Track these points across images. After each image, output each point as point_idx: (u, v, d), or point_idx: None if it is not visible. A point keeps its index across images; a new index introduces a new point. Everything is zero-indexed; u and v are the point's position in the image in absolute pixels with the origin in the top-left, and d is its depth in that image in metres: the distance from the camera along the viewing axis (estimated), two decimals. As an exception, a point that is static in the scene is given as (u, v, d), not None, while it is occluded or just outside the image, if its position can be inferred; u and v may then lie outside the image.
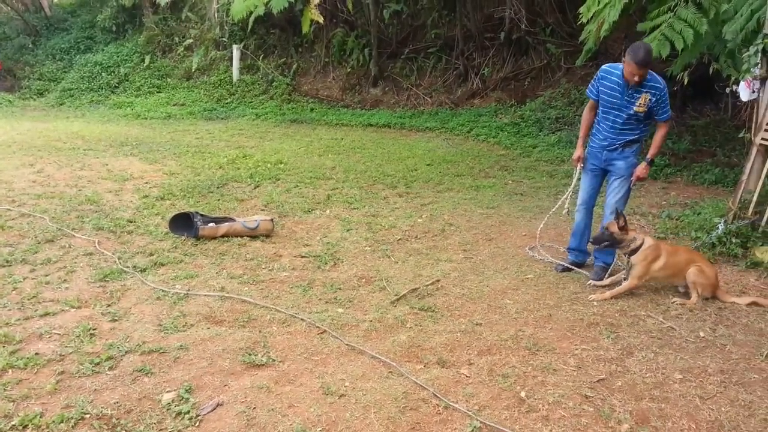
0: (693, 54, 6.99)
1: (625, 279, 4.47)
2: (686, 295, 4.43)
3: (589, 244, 4.89)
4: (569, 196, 5.24)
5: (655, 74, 4.42)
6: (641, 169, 4.61)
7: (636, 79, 4.30)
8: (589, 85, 4.77)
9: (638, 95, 4.41)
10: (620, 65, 4.46)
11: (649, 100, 4.39)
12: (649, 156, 4.61)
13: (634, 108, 4.45)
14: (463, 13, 13.66)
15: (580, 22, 7.67)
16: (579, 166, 4.99)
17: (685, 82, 7.18)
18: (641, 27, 6.78)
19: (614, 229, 4.43)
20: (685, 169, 8.33)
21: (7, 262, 4.65)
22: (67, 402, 2.95)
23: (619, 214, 4.46)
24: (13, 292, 4.16)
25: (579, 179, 5.03)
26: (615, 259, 4.82)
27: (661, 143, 4.61)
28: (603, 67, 4.67)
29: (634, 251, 4.41)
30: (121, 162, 8.38)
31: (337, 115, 13.19)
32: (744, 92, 5.53)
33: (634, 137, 4.59)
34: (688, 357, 3.59)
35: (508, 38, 13.11)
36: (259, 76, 15.15)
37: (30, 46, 17.49)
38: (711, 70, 6.75)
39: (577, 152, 4.96)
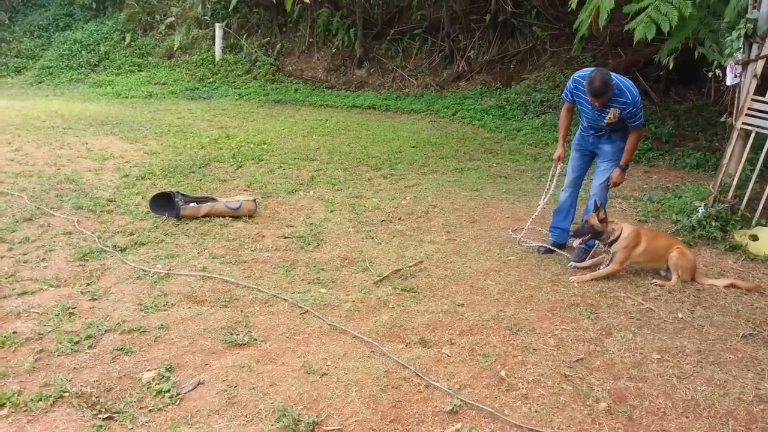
0: (679, 39, 7.02)
1: (606, 265, 4.53)
2: (668, 278, 4.48)
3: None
4: (546, 195, 5.21)
5: (625, 87, 4.39)
6: (616, 175, 4.70)
7: (597, 104, 4.39)
8: (564, 89, 4.81)
9: (607, 110, 4.47)
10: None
11: (619, 113, 4.43)
12: (622, 162, 4.67)
13: (605, 121, 4.52)
14: (449, -6, 13.56)
15: (569, 8, 7.64)
16: (560, 165, 5.03)
17: (671, 67, 7.21)
18: (627, 9, 6.78)
19: (594, 221, 4.47)
20: (668, 153, 8.41)
21: (-16, 240, 4.57)
22: (46, 380, 2.92)
23: (598, 207, 4.50)
24: (-10, 270, 4.10)
25: (560, 174, 5.07)
26: (596, 242, 4.86)
27: (634, 149, 4.66)
28: (574, 76, 4.67)
29: (614, 241, 4.45)
30: (101, 141, 8.25)
31: (322, 96, 13.09)
32: (729, 77, 5.57)
33: (618, 127, 4.61)
34: (666, 337, 3.64)
35: (494, 20, 13.05)
36: (242, 56, 14.96)
37: (7, 22, 17.05)
38: (696, 55, 6.78)
39: (558, 151, 5.02)
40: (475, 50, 13.43)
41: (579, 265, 4.68)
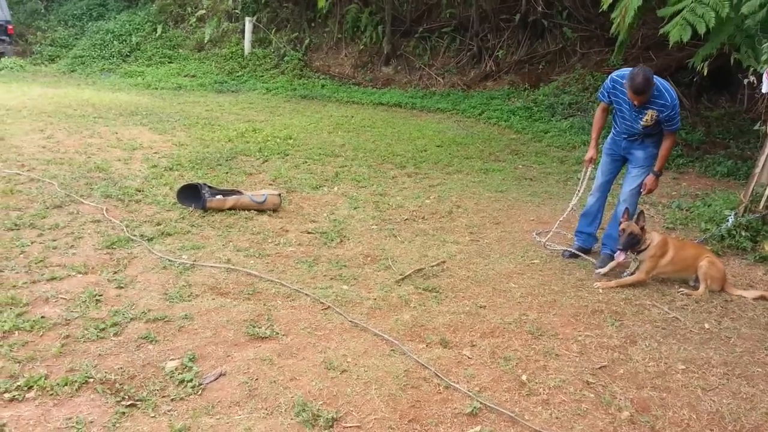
0: (714, 44, 6.88)
1: (630, 272, 4.46)
2: (696, 288, 4.40)
3: (599, 233, 4.86)
4: (576, 198, 5.17)
5: (665, 89, 4.32)
6: (650, 182, 4.59)
7: (635, 102, 4.30)
8: (601, 89, 4.74)
9: (645, 112, 4.38)
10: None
11: (656, 116, 4.35)
12: (656, 168, 4.57)
13: (642, 123, 4.44)
14: (479, -7, 13.47)
15: (600, 10, 7.53)
16: (590, 167, 4.96)
17: (705, 73, 7.07)
18: (661, 13, 6.67)
19: (636, 230, 4.39)
20: (698, 160, 8.26)
21: (16, 225, 4.67)
22: (72, 365, 2.97)
23: (638, 215, 4.43)
24: (21, 255, 4.18)
25: (589, 178, 5.00)
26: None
27: (668, 155, 4.57)
28: (613, 75, 4.60)
29: (643, 250, 4.39)
30: (131, 131, 8.37)
31: (348, 93, 13.11)
32: (765, 84, 5.44)
33: (652, 132, 4.54)
34: (692, 348, 3.58)
35: (523, 20, 12.94)
36: (270, 50, 15.05)
37: (42, 11, 17.41)
38: (732, 61, 6.64)
39: (590, 153, 4.93)
40: (503, 50, 13.33)
41: (601, 270, 4.60)
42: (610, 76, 4.62)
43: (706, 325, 3.88)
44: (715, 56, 7.38)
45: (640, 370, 3.31)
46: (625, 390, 3.11)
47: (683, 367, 3.36)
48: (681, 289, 4.38)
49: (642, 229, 4.39)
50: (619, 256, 4.47)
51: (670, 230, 5.74)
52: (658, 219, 6.07)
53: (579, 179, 5.12)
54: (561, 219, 5.30)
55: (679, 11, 6.07)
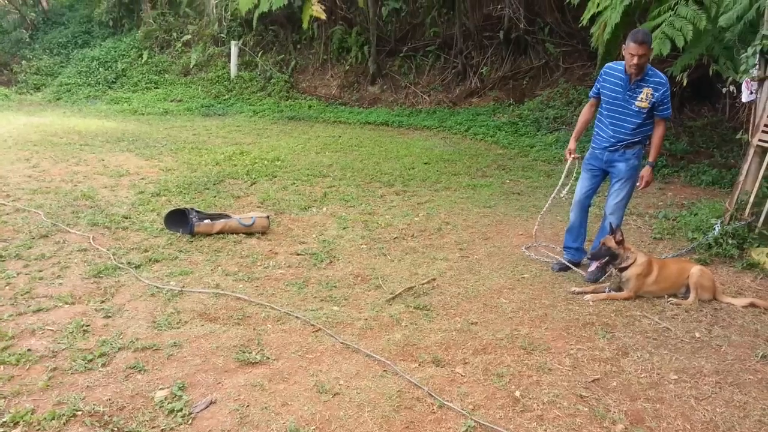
0: (693, 55, 7.00)
1: (609, 291, 4.48)
2: (685, 298, 4.41)
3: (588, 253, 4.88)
4: (561, 188, 5.25)
5: (657, 71, 4.44)
6: (647, 174, 4.60)
7: (635, 61, 4.28)
8: (593, 86, 4.80)
9: (640, 90, 4.40)
10: (623, 62, 4.47)
11: (652, 95, 4.37)
12: (650, 159, 4.60)
13: (636, 103, 4.43)
14: (461, 11, 13.64)
15: (580, 25, 7.65)
16: (571, 158, 5.00)
17: (684, 83, 7.18)
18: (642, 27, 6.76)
19: (612, 244, 4.43)
20: (683, 170, 8.34)
21: (1, 257, 4.63)
22: (59, 399, 2.93)
23: (615, 229, 4.46)
24: (6, 287, 4.14)
25: (571, 172, 5.04)
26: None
27: (660, 144, 4.59)
28: (605, 65, 4.69)
29: (626, 267, 4.40)
30: (118, 158, 8.34)
31: (335, 113, 13.17)
32: (744, 93, 5.53)
33: (635, 138, 4.56)
34: (684, 357, 3.58)
35: (506, 37, 13.10)
36: (257, 73, 15.11)
37: (27, 40, 17.40)
38: (711, 72, 6.75)
39: (570, 144, 4.98)
40: (487, 67, 13.47)
41: (578, 289, 4.59)
42: (602, 70, 4.70)
43: (697, 334, 3.89)
44: (695, 67, 7.50)
45: (633, 381, 3.31)
46: (619, 402, 3.10)
47: (675, 377, 3.36)
48: (671, 299, 4.39)
49: (620, 243, 4.41)
50: (591, 266, 4.57)
51: (658, 240, 5.77)
52: (645, 230, 6.11)
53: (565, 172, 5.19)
54: (545, 209, 5.43)
55: (659, 25, 6.18)
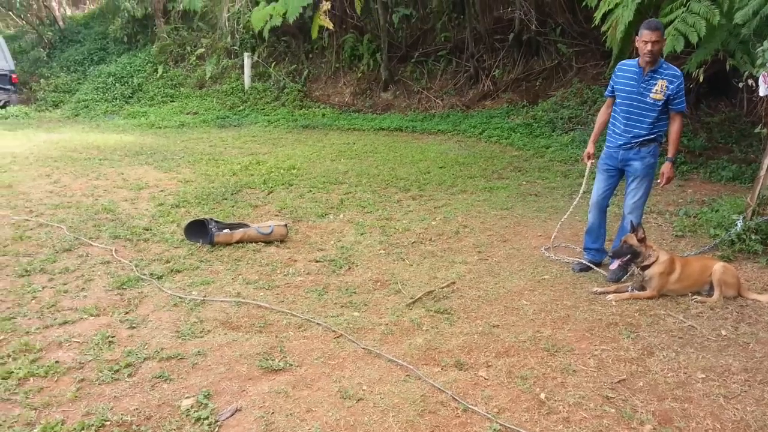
0: (708, 50, 6.93)
1: (632, 290, 4.43)
2: (710, 295, 4.35)
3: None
4: (581, 195, 5.24)
5: (671, 64, 4.43)
6: (668, 170, 4.55)
7: (648, 48, 4.28)
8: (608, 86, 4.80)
9: (654, 82, 4.38)
10: (635, 59, 4.47)
11: (667, 87, 4.34)
12: (669, 155, 4.56)
13: (651, 95, 4.40)
14: (472, 15, 13.65)
15: (593, 24, 7.62)
16: (589, 162, 4.98)
17: (701, 79, 7.11)
18: (654, 21, 6.72)
19: (633, 241, 4.39)
20: (702, 167, 8.24)
21: (26, 271, 4.70)
22: (88, 409, 2.96)
23: (636, 227, 4.42)
24: (33, 301, 4.20)
25: (591, 177, 5.03)
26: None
27: (678, 139, 4.54)
28: (618, 64, 4.69)
29: (648, 266, 4.36)
30: (137, 171, 8.45)
31: (349, 120, 13.22)
32: (762, 87, 5.46)
33: (650, 135, 4.53)
34: (711, 356, 3.54)
35: (518, 39, 13.08)
36: (270, 83, 15.24)
37: (45, 58, 17.74)
38: (728, 66, 6.67)
39: (588, 148, 4.96)
40: (500, 69, 13.45)
41: (600, 289, 4.54)
42: (615, 67, 4.71)
43: (723, 332, 3.84)
44: (710, 62, 7.42)
45: (660, 381, 3.27)
46: (646, 403, 3.07)
47: (703, 375, 3.32)
48: (695, 297, 4.34)
49: (641, 240, 4.37)
50: (613, 264, 4.53)
51: (679, 238, 5.71)
52: (666, 227, 6.05)
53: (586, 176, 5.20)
54: (560, 223, 5.43)
55: (671, 22, 6.13)
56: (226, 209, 6.57)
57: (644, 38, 4.29)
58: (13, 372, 3.25)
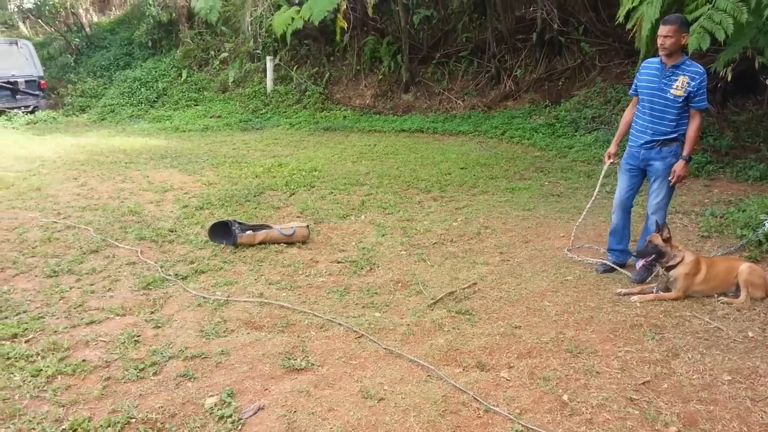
0: (736, 48, 6.79)
1: (657, 291, 4.37)
2: (736, 297, 4.28)
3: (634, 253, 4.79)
4: (598, 193, 5.26)
5: (694, 62, 4.40)
6: (680, 168, 4.47)
7: (660, 42, 4.29)
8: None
9: (675, 78, 4.34)
10: (659, 57, 4.44)
11: (688, 83, 4.30)
12: (685, 153, 4.47)
13: (672, 91, 4.36)
14: (493, 15, 13.58)
15: (617, 22, 7.52)
16: (609, 162, 4.94)
17: (729, 79, 6.98)
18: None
19: (658, 241, 4.33)
20: (728, 166, 8.08)
21: (54, 272, 4.81)
22: (114, 407, 3.02)
23: (662, 227, 4.36)
24: (61, 301, 4.30)
25: (609, 175, 5.02)
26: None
27: (696, 137, 4.46)
28: (643, 62, 4.69)
29: (673, 266, 4.30)
30: (162, 174, 8.58)
31: (370, 122, 13.25)
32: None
33: (671, 134, 4.46)
34: (737, 358, 3.47)
35: (540, 39, 12.98)
36: (292, 87, 15.34)
37: (72, 64, 18.09)
38: (757, 64, 6.54)
39: (610, 148, 4.94)
40: (522, 69, 13.36)
41: (624, 290, 4.48)
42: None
43: (750, 334, 3.77)
44: (738, 59, 7.28)
45: (685, 383, 3.22)
46: (671, 405, 3.03)
47: (729, 378, 3.26)
48: (721, 298, 4.27)
49: (667, 240, 4.31)
50: (637, 264, 4.48)
51: (705, 239, 5.61)
52: (692, 228, 5.95)
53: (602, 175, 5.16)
54: (580, 220, 5.39)
55: (697, 19, 6.03)
56: (248, 211, 6.64)
57: (659, 32, 4.32)
58: (42, 370, 3.34)
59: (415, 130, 12.34)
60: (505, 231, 5.96)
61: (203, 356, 3.52)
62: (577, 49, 12.80)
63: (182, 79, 16.43)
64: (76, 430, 2.84)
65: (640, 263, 4.47)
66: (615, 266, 4.87)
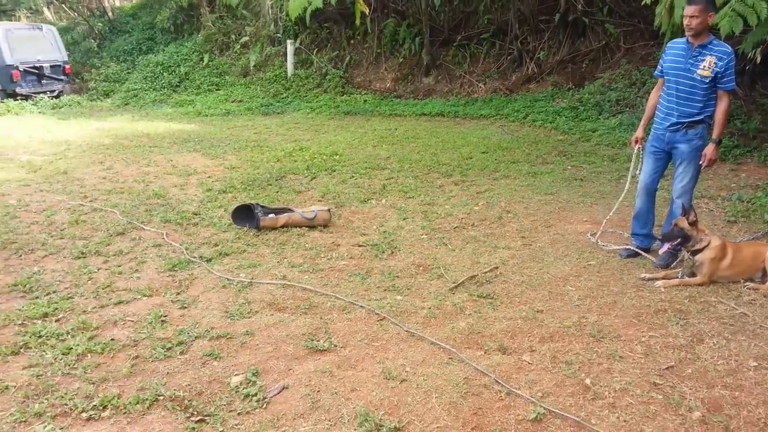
0: (765, 29, 6.61)
1: (682, 276, 4.32)
2: (762, 282, 4.22)
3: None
4: (630, 180, 5.11)
5: (722, 42, 4.32)
6: (710, 151, 4.39)
7: (686, 22, 4.22)
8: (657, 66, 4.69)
9: (702, 58, 4.27)
10: (685, 38, 4.36)
11: (715, 64, 4.22)
12: (714, 135, 4.40)
13: (698, 71, 4.28)
14: (516, -3, 13.38)
15: (643, 3, 7.36)
16: (637, 146, 4.87)
17: (758, 61, 6.80)
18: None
19: (684, 225, 4.27)
20: (756, 150, 7.92)
21: (82, 254, 4.91)
22: (142, 384, 3.10)
23: (688, 210, 4.30)
24: (89, 282, 4.39)
25: (639, 161, 4.91)
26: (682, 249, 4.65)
27: (725, 119, 4.38)
28: (668, 43, 4.58)
29: (699, 251, 4.24)
30: (185, 158, 8.67)
31: (390, 106, 13.21)
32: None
33: (697, 116, 4.39)
34: (763, 344, 3.44)
35: (563, 20, 12.76)
36: (312, 70, 15.32)
37: (95, 49, 18.27)
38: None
39: (637, 132, 4.86)
40: (544, 51, 13.17)
41: (649, 275, 4.44)
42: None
43: (778, 320, 3.72)
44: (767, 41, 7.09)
45: (710, 369, 3.20)
46: (695, 390, 3.01)
47: (755, 364, 3.23)
48: (747, 284, 4.21)
49: (693, 224, 4.25)
50: (662, 248, 4.42)
51: (732, 224, 5.53)
52: (718, 213, 5.86)
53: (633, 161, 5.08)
54: (613, 210, 5.31)
55: (727, 2, 5.88)
56: (270, 195, 6.69)
57: (684, 12, 4.26)
58: (72, 348, 3.42)
59: (435, 114, 12.27)
60: (527, 215, 5.93)
61: (228, 336, 3.58)
62: (601, 30, 12.57)
63: (204, 64, 16.50)
64: (105, 406, 2.92)
65: (664, 248, 4.42)
66: (639, 251, 4.82)
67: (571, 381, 3.11)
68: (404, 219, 5.88)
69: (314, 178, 7.48)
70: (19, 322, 3.76)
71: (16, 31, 14.77)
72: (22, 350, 3.43)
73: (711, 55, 4.24)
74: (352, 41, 15.68)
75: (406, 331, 3.65)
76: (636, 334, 3.59)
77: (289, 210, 5.70)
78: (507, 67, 13.64)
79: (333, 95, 14.34)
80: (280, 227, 5.52)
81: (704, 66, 4.25)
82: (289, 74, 15.32)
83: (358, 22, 12.96)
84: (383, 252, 5.02)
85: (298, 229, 5.52)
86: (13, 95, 14.14)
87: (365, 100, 13.91)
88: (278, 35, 16.03)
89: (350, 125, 11.53)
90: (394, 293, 4.23)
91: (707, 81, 4.27)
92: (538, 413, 2.83)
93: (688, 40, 4.35)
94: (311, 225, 5.59)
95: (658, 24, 7.33)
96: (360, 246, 5.18)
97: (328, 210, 5.75)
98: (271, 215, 5.56)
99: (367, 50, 15.43)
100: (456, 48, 14.37)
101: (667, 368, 3.21)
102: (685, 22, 4.25)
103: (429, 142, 9.56)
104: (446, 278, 4.46)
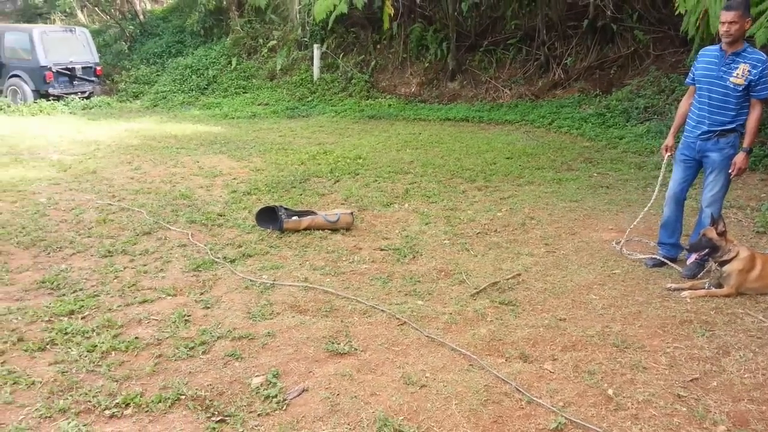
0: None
1: (709, 287, 4.23)
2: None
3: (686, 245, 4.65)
4: (659, 189, 5.02)
5: (757, 50, 4.24)
6: (740, 160, 4.30)
7: (724, 29, 4.14)
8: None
9: (736, 66, 4.19)
10: (719, 44, 4.29)
11: (749, 72, 4.14)
12: (745, 144, 4.31)
13: (731, 79, 4.20)
14: (544, 1, 13.28)
15: (677, 12, 7.24)
16: (667, 155, 4.79)
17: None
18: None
19: (713, 235, 4.19)
20: (789, 159, 7.74)
21: (109, 252, 5.00)
22: (165, 383, 3.14)
23: (717, 219, 4.22)
24: (115, 280, 4.47)
25: (668, 170, 4.82)
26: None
27: (757, 128, 4.29)
28: (701, 49, 4.51)
29: (727, 261, 4.16)
30: (211, 159, 8.78)
31: (415, 111, 13.21)
32: None
33: (729, 125, 4.31)
34: (794, 358, 3.35)
35: (592, 26, 12.64)
36: (338, 74, 15.40)
37: (126, 51, 18.59)
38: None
39: (667, 140, 4.77)
40: (572, 57, 13.05)
41: (675, 286, 4.36)
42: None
43: (809, 334, 3.63)
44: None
45: (736, 382, 3.13)
46: (720, 403, 2.95)
47: (785, 378, 3.15)
48: (777, 297, 4.11)
49: (722, 234, 4.17)
50: (690, 258, 4.35)
51: (761, 234, 5.41)
52: (746, 223, 5.74)
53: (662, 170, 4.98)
54: (639, 218, 5.21)
55: (763, 12, 5.77)
56: (294, 197, 6.74)
57: (721, 19, 4.16)
58: (97, 346, 3.48)
59: (460, 119, 12.24)
60: (551, 222, 5.87)
61: (250, 337, 3.61)
62: (630, 36, 12.42)
63: (232, 67, 16.69)
64: (128, 404, 2.96)
65: (692, 258, 4.35)
66: (665, 260, 4.74)
67: (594, 391, 3.07)
68: (427, 224, 5.87)
69: (338, 181, 7.52)
70: (47, 318, 3.83)
71: (51, 34, 15.10)
72: (48, 346, 3.50)
73: (745, 62, 4.16)
74: (378, 46, 15.73)
75: (427, 336, 3.64)
76: (660, 344, 3.53)
77: (313, 213, 5.74)
78: (533, 72, 13.55)
79: (358, 99, 14.39)
80: (303, 230, 5.56)
81: (737, 74, 4.18)
82: (315, 78, 15.42)
83: (386, 26, 13.00)
84: (405, 256, 5.02)
85: (320, 232, 5.54)
86: (46, 96, 14.45)
87: (390, 105, 13.93)
88: (305, 39, 16.15)
89: (374, 129, 11.55)
90: (415, 298, 4.23)
91: (740, 89, 4.19)
92: (559, 423, 2.79)
93: (721, 48, 4.28)
94: (334, 228, 5.61)
95: (684, 29, 7.22)
96: (382, 250, 5.19)
97: (351, 213, 5.77)
98: (294, 218, 5.59)
99: (393, 55, 15.46)
100: (482, 53, 14.31)
101: (691, 380, 3.16)
102: (723, 29, 4.15)
103: (453, 147, 9.53)
104: (468, 284, 4.44)
